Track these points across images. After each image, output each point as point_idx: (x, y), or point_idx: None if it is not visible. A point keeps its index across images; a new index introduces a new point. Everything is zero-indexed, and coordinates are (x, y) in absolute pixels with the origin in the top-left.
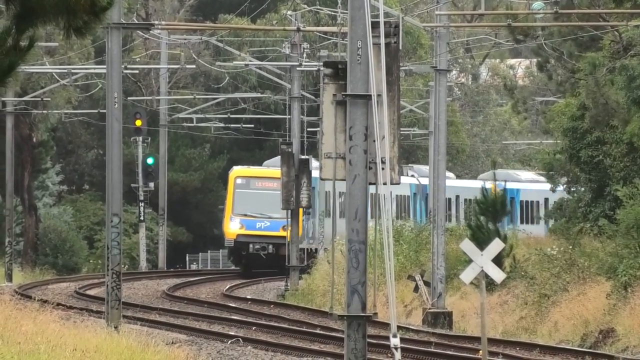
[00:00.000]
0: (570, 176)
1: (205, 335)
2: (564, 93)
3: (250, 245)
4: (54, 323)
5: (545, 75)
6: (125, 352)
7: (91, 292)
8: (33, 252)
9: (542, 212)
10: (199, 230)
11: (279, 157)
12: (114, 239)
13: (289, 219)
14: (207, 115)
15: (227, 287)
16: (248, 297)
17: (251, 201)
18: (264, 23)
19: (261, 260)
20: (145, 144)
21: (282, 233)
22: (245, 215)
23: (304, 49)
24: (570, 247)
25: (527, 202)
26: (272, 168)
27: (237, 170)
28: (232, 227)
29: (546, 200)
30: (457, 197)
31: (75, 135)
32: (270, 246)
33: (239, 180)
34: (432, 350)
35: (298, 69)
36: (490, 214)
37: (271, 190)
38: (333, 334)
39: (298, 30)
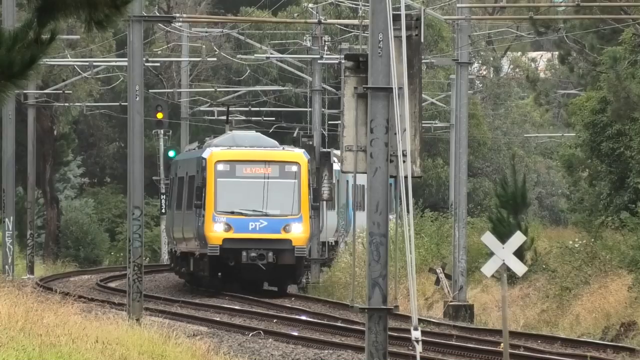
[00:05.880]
0: (590, 170)
1: (227, 328)
2: (585, 86)
3: (243, 253)
4: (76, 315)
5: (567, 67)
6: (147, 344)
7: (113, 285)
8: (54, 244)
9: None
10: None
11: (224, 136)
12: (135, 232)
13: (313, 214)
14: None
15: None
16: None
17: (239, 194)
18: (285, 16)
19: (259, 272)
20: (167, 137)
21: (284, 235)
22: (233, 213)
23: (325, 41)
24: (592, 239)
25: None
26: (258, 148)
27: (216, 153)
28: (216, 230)
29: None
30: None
31: (97, 128)
32: (270, 253)
33: (220, 167)
34: (453, 343)
35: (319, 61)
36: (511, 207)
37: (266, 177)
38: (354, 326)
39: (319, 23)
